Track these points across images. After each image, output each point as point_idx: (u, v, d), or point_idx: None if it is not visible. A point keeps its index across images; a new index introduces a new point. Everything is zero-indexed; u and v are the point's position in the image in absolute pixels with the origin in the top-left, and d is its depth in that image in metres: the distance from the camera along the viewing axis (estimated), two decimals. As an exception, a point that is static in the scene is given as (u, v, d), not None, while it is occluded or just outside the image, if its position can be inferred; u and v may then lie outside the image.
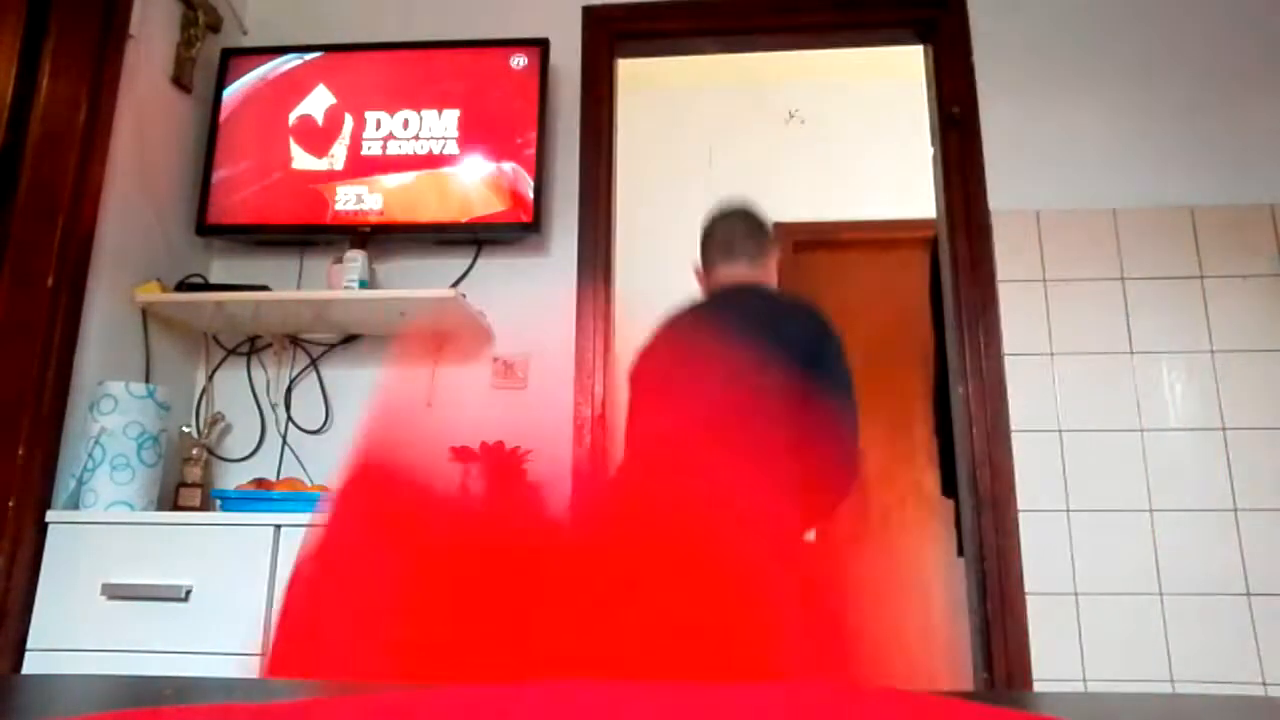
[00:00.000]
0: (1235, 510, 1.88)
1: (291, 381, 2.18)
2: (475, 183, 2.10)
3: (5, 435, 1.64)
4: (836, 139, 3.56)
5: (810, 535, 1.56)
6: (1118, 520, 1.89)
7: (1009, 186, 2.10)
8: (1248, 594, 1.83)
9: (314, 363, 2.19)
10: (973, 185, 2.11)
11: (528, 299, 2.17)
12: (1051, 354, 2.00)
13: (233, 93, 2.21)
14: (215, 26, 2.24)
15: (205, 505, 1.98)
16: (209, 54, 2.21)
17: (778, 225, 3.49)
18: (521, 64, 2.16)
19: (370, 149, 2.14)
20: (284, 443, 2.14)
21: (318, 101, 2.18)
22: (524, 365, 2.13)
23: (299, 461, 2.12)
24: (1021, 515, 1.91)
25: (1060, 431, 1.96)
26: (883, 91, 3.54)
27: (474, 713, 0.39)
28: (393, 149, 2.14)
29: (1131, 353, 1.99)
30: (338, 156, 2.14)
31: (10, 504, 1.62)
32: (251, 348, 2.21)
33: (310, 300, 1.97)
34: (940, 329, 2.20)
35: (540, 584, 0.55)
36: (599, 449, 2.07)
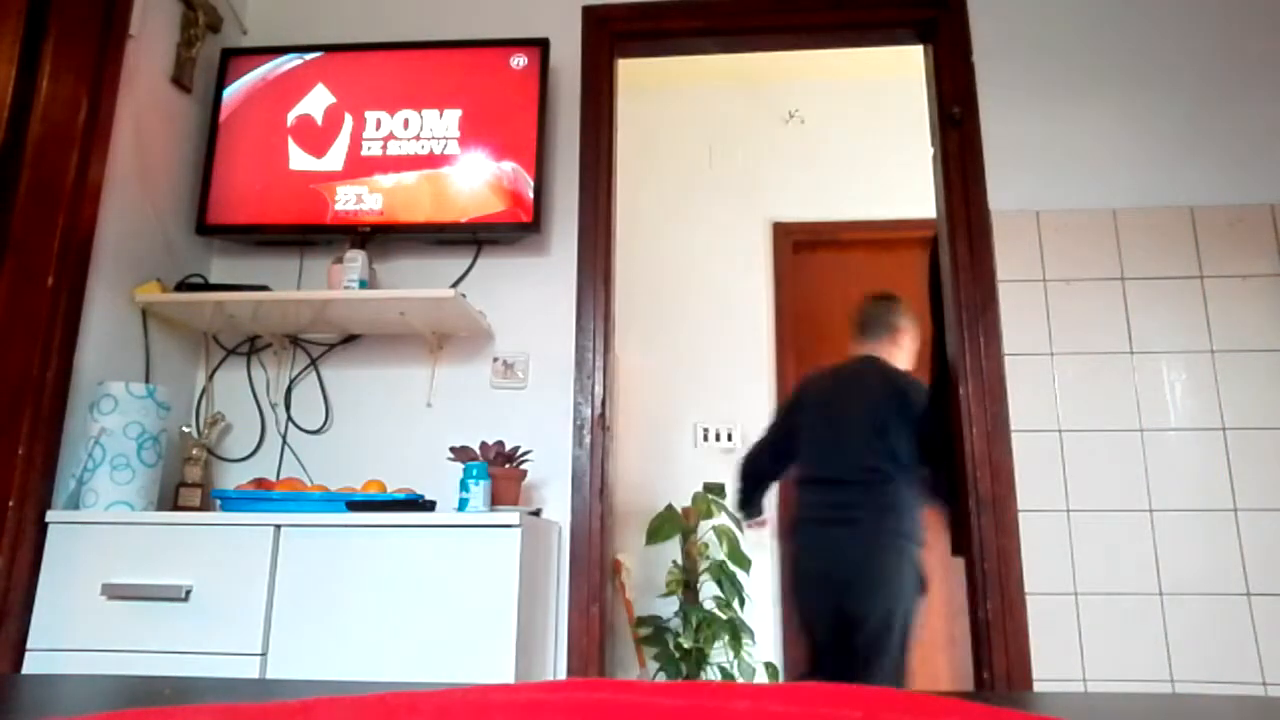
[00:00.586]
0: (1235, 510, 1.88)
1: (291, 381, 2.18)
2: (475, 183, 2.10)
3: (5, 435, 1.64)
4: (836, 139, 3.56)
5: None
6: (1117, 520, 1.90)
7: (1009, 186, 2.11)
8: (1248, 594, 1.83)
9: (314, 363, 2.19)
10: (973, 185, 2.11)
11: (528, 299, 2.17)
12: (1051, 354, 2.00)
13: (233, 93, 2.21)
14: (215, 26, 2.25)
15: (205, 505, 1.99)
16: (209, 54, 2.21)
17: (777, 225, 3.54)
18: (522, 64, 2.16)
19: (370, 149, 2.14)
20: (284, 443, 2.14)
21: (318, 101, 2.19)
22: (524, 365, 2.14)
23: (299, 461, 2.12)
24: (1021, 515, 1.91)
25: (1060, 431, 1.96)
26: (883, 91, 3.55)
27: (475, 713, 0.39)
28: (393, 149, 2.14)
29: (1131, 353, 1.99)
30: (338, 156, 2.14)
31: (10, 504, 1.62)
32: (251, 348, 2.21)
33: (310, 300, 1.97)
34: (940, 329, 2.20)
35: None
36: (599, 449, 2.08)
